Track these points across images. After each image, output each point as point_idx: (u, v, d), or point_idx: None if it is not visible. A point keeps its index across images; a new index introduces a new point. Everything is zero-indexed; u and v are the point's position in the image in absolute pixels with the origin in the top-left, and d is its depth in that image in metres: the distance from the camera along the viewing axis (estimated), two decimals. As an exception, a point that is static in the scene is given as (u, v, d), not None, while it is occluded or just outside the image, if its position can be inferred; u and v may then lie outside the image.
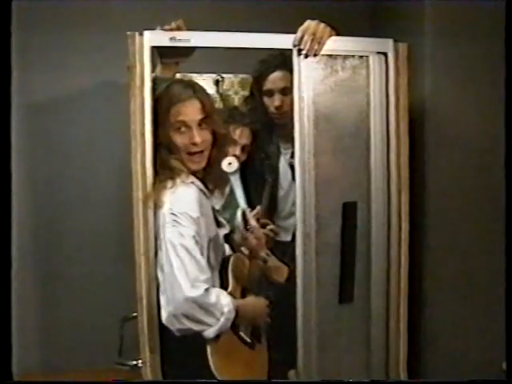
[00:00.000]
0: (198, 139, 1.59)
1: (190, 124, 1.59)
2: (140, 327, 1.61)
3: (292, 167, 1.87)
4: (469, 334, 1.88)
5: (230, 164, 1.81)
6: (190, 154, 1.61)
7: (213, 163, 1.69)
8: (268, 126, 1.98)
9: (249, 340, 1.64)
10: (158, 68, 1.69)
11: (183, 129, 1.59)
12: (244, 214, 1.77)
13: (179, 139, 1.59)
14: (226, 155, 1.80)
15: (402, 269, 1.78)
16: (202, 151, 1.63)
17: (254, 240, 1.74)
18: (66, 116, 2.32)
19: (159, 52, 1.66)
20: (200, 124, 1.61)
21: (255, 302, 1.68)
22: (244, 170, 1.93)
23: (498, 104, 1.63)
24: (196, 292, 1.43)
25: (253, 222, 1.75)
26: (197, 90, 1.64)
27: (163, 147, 1.62)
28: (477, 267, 1.86)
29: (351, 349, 1.79)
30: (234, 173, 1.83)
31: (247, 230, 1.75)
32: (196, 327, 1.46)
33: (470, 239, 1.87)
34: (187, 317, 1.44)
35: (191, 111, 1.60)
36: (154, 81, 1.64)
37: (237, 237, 1.82)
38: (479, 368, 1.80)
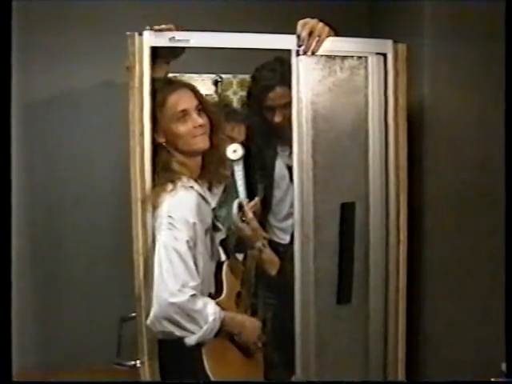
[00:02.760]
0: (200, 121, 1.64)
1: (190, 110, 1.63)
2: (138, 327, 1.61)
3: (289, 168, 1.86)
4: (468, 335, 1.88)
5: (234, 151, 1.79)
6: (195, 136, 1.64)
7: (213, 149, 1.70)
8: (265, 128, 1.97)
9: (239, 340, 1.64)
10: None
11: (184, 117, 1.62)
12: (241, 206, 1.77)
13: (182, 127, 1.62)
14: (224, 142, 1.79)
15: (400, 269, 1.78)
16: (204, 133, 1.66)
17: (250, 231, 1.76)
18: (65, 116, 2.33)
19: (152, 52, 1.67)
20: (197, 109, 1.65)
21: (246, 320, 1.67)
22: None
23: (497, 105, 1.63)
24: (181, 297, 1.42)
25: (250, 215, 1.75)
26: (184, 82, 1.72)
27: (164, 148, 1.63)
28: (476, 267, 1.86)
29: (349, 349, 1.78)
30: (238, 160, 1.81)
31: (243, 221, 1.76)
32: (178, 332, 1.45)
33: (470, 239, 1.88)
34: (170, 321, 1.43)
35: (187, 98, 1.65)
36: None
37: (233, 227, 1.82)
38: (478, 369, 1.81)
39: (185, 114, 1.62)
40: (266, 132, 1.98)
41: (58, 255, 2.36)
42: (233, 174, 1.84)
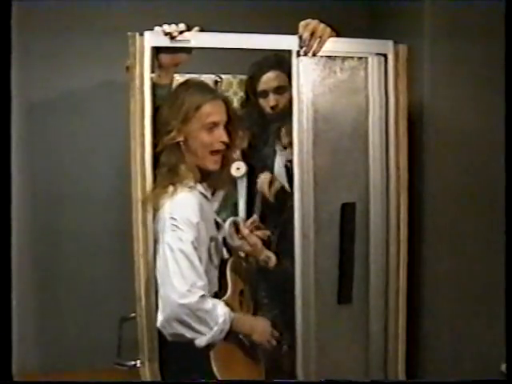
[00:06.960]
0: (225, 138, 1.65)
1: (219, 124, 1.65)
2: (139, 328, 1.61)
3: (287, 168, 1.86)
4: (468, 335, 1.88)
5: (238, 169, 1.83)
6: (213, 152, 1.65)
7: (223, 165, 1.71)
8: (265, 128, 1.98)
9: (247, 343, 1.64)
10: (156, 73, 1.68)
11: (212, 128, 1.64)
12: (235, 224, 1.77)
13: (207, 137, 1.63)
14: (233, 158, 1.81)
15: (400, 269, 1.78)
16: (221, 150, 1.67)
17: (249, 247, 1.75)
18: (66, 116, 2.32)
19: (158, 56, 1.65)
20: (225, 125, 1.67)
21: (256, 320, 1.68)
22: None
23: (498, 105, 1.63)
24: (191, 298, 1.43)
25: (245, 231, 1.75)
26: (222, 94, 1.75)
27: (178, 148, 1.62)
28: (476, 267, 1.86)
29: (350, 349, 1.79)
30: (241, 177, 1.85)
31: (240, 238, 1.75)
32: (188, 334, 1.45)
33: (470, 239, 1.87)
34: (180, 322, 1.43)
35: (220, 111, 1.66)
36: (153, 86, 1.64)
37: (230, 244, 1.80)
38: (478, 369, 1.81)
39: (214, 125, 1.64)
40: (266, 132, 1.98)
41: (59, 255, 2.35)
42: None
